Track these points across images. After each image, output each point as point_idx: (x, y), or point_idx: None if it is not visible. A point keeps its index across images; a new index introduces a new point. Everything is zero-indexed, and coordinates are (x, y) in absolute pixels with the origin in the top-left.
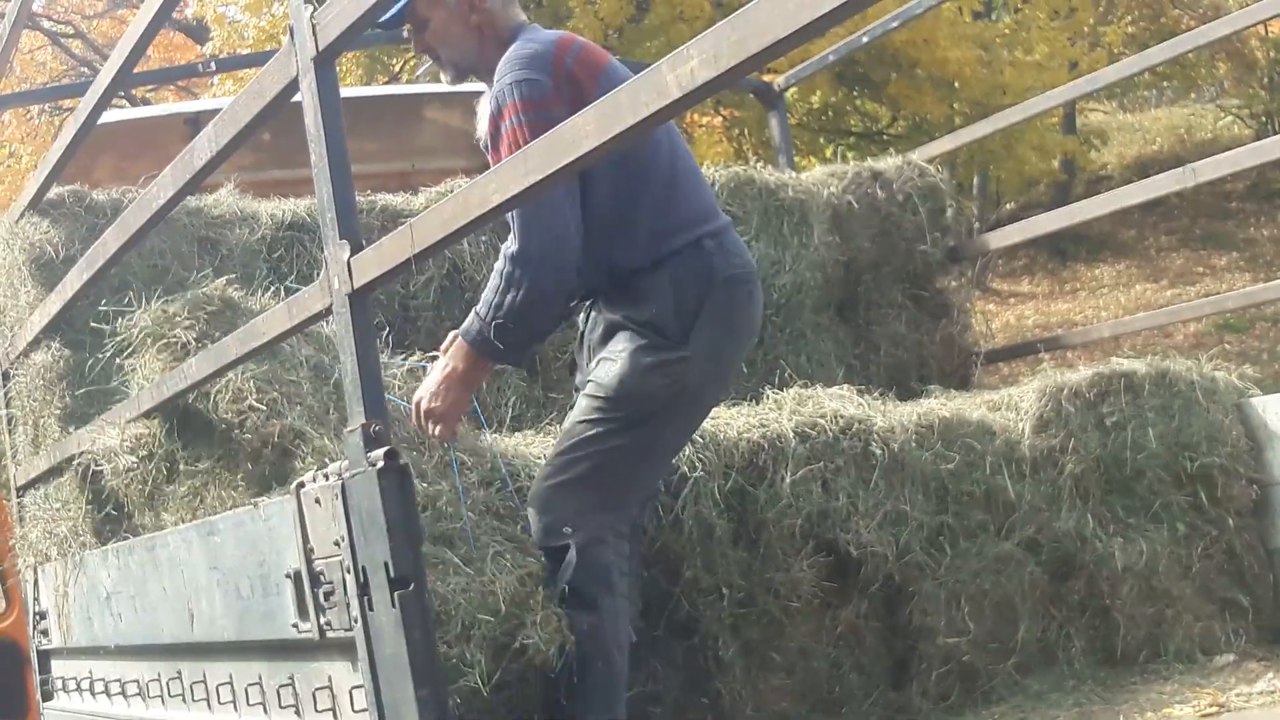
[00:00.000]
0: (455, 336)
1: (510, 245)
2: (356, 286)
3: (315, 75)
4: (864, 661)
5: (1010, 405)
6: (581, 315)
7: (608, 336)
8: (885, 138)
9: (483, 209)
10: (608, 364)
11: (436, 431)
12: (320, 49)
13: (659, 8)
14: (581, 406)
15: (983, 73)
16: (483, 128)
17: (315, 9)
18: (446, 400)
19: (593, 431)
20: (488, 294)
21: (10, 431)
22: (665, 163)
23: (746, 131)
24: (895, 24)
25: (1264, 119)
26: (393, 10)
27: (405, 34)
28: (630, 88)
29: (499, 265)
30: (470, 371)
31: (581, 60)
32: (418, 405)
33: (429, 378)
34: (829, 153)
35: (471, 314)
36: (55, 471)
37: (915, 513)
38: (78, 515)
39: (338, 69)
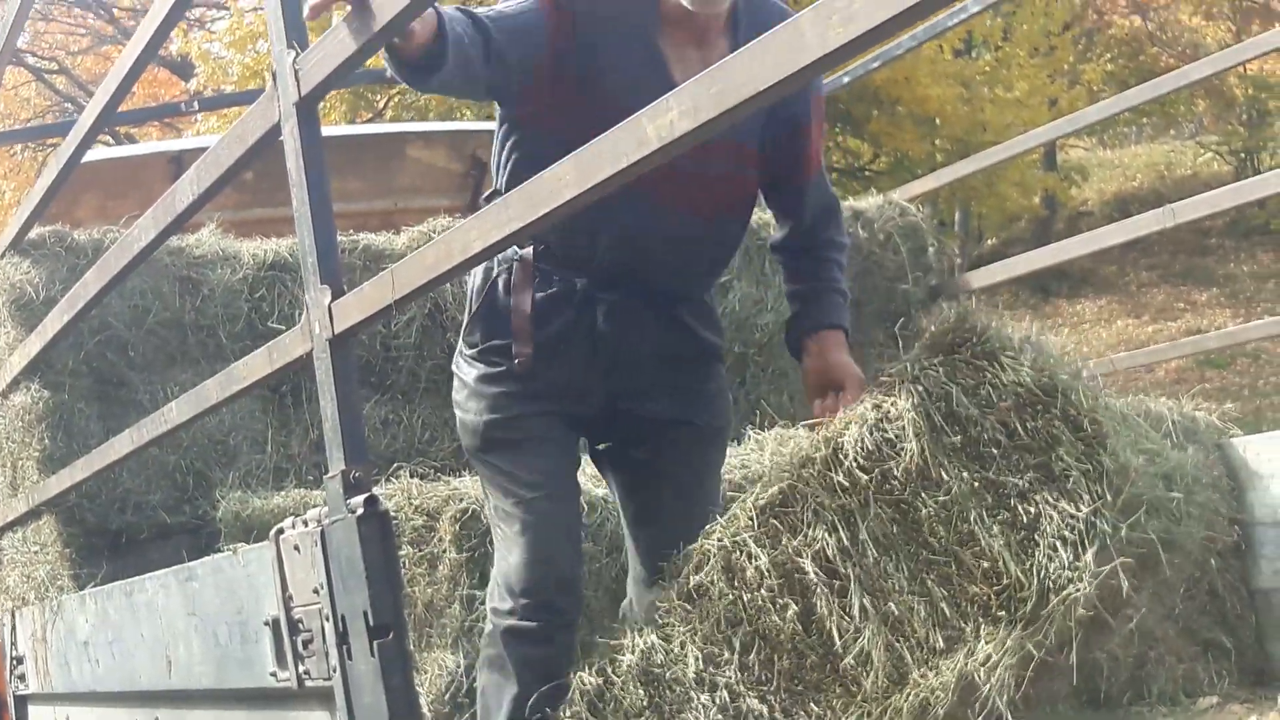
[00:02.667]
0: None
1: None
2: (337, 332)
3: (297, 120)
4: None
5: None
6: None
7: (703, 362)
8: (867, 174)
9: (464, 255)
10: (723, 400)
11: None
12: (303, 94)
13: None
14: (721, 449)
15: (963, 109)
16: None
17: (298, 54)
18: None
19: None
20: None
21: None
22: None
23: None
24: (876, 64)
25: (1242, 155)
26: None
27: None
28: (610, 137)
29: None
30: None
31: None
32: None
33: None
34: None
35: None
36: (34, 515)
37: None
38: (55, 559)
39: (320, 110)
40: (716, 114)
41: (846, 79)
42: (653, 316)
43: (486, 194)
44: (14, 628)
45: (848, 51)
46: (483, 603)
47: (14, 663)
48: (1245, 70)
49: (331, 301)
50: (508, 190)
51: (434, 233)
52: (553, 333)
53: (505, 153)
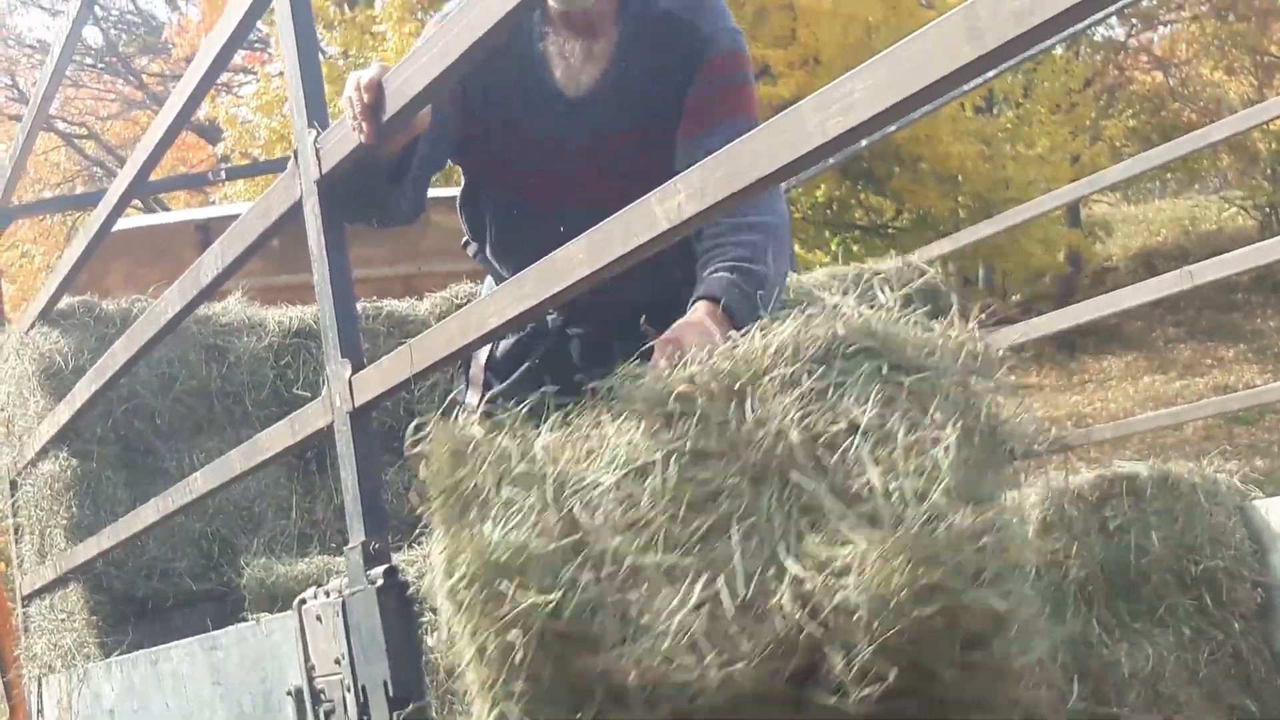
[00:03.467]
0: None
1: None
2: (358, 404)
3: (319, 197)
4: None
5: (1015, 508)
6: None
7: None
8: (890, 231)
9: (480, 330)
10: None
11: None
12: (323, 172)
13: None
14: None
15: (985, 166)
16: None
17: (319, 134)
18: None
19: None
20: None
21: (17, 541)
22: None
23: None
24: (893, 127)
25: (1268, 210)
26: None
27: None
28: (622, 218)
29: None
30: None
31: None
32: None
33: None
34: (834, 245)
35: None
36: (61, 582)
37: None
38: (82, 626)
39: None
40: (722, 197)
41: (864, 142)
42: (627, 347)
43: (463, 242)
44: (40, 695)
45: (849, 139)
46: None
47: None
48: (1268, 126)
49: (352, 375)
50: (473, 236)
51: (456, 298)
52: (526, 371)
53: (459, 201)
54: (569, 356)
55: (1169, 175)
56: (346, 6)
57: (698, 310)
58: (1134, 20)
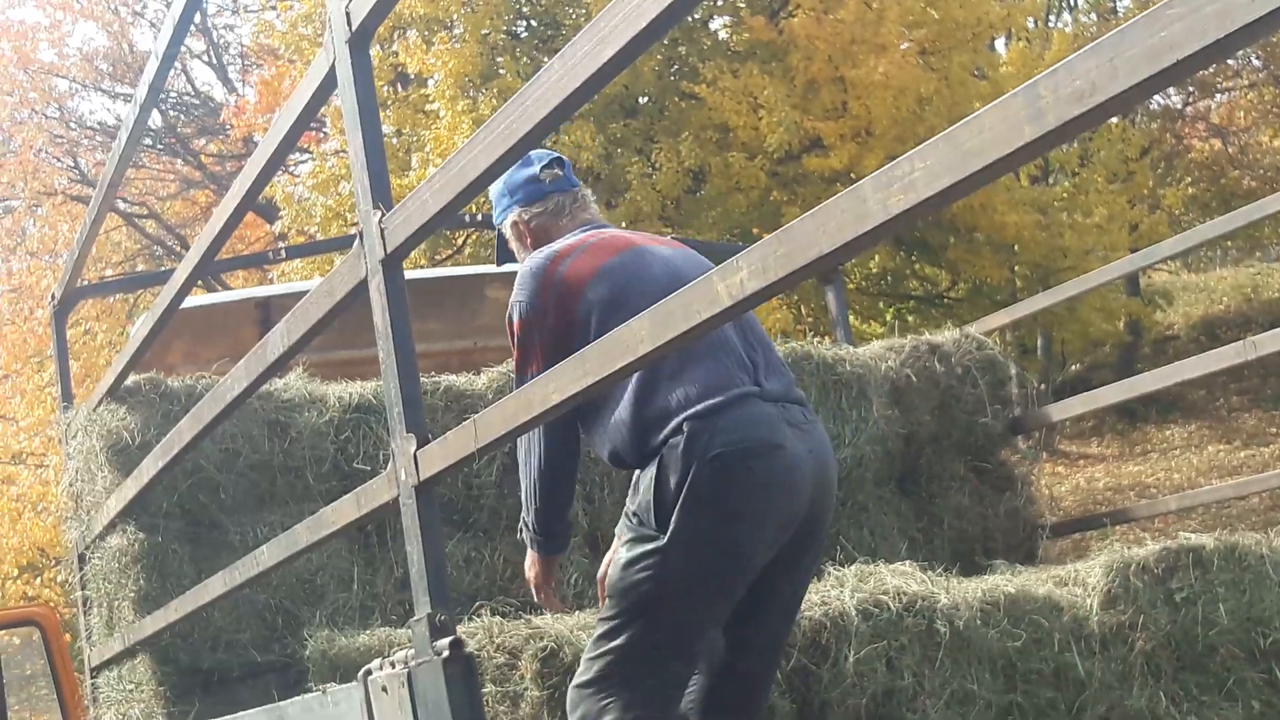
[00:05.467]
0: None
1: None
2: (422, 479)
3: (384, 276)
4: None
5: (1077, 581)
6: None
7: (622, 527)
8: (945, 301)
9: (543, 406)
10: (618, 558)
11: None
12: (388, 252)
13: (716, 179)
14: (606, 598)
15: (1041, 235)
16: None
17: (383, 214)
18: (536, 581)
19: (601, 630)
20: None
21: (86, 613)
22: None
23: (804, 298)
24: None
25: None
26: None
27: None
28: (683, 296)
29: None
30: (543, 567)
31: (571, 273)
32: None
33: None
34: (889, 316)
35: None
36: (129, 654)
37: (983, 691)
38: (150, 697)
39: (410, 261)
40: (783, 275)
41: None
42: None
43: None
44: None
45: (908, 218)
46: None
47: None
48: None
49: (417, 449)
50: None
51: (513, 374)
52: None
53: None
54: None
55: (1229, 243)
56: (399, 86)
57: None
58: (1190, 88)
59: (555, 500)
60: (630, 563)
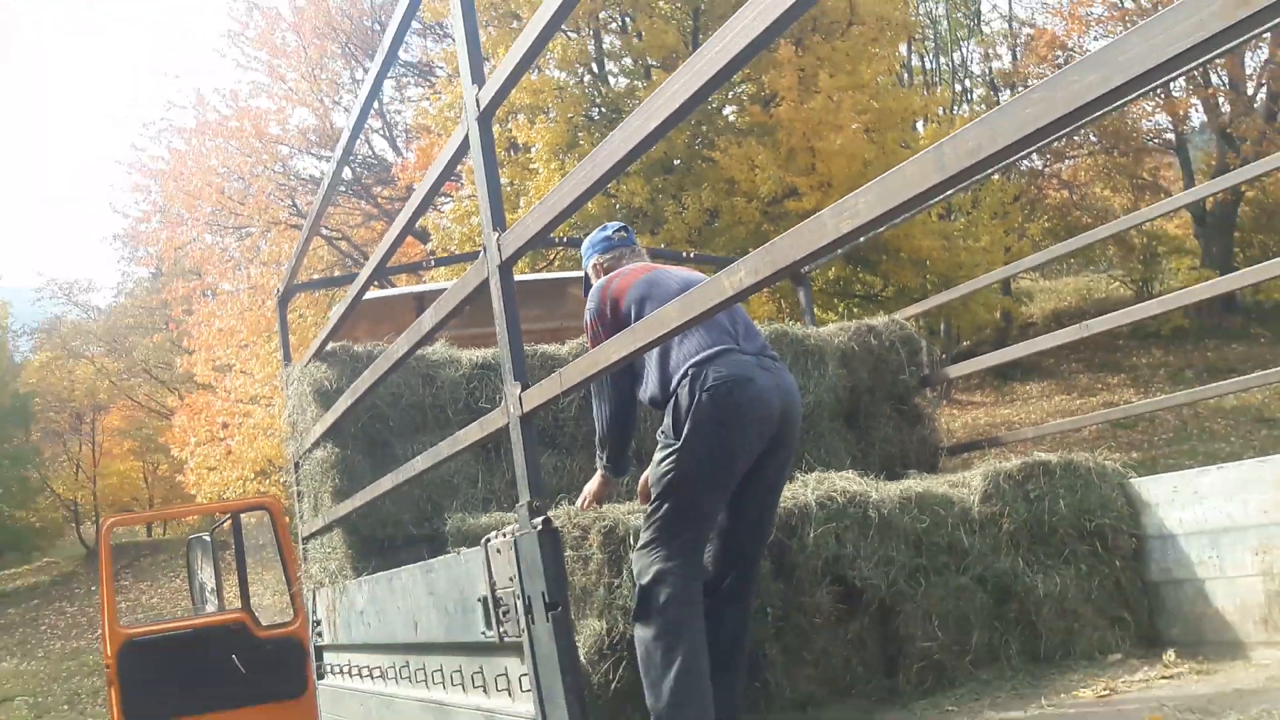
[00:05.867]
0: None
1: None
2: (524, 411)
3: (500, 277)
4: (866, 659)
5: (965, 484)
6: None
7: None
8: (879, 298)
9: (607, 361)
10: (653, 462)
11: (586, 505)
12: (503, 259)
13: (725, 216)
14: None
15: (945, 254)
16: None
17: (500, 233)
18: (592, 495)
19: (649, 511)
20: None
21: (299, 501)
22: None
23: (782, 296)
24: (883, 228)
25: (1140, 283)
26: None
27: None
28: (701, 289)
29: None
30: (602, 485)
31: (617, 287)
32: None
33: (588, 487)
34: (841, 309)
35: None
36: (327, 528)
37: (899, 557)
38: (342, 557)
39: (518, 267)
40: (768, 274)
41: (862, 239)
42: None
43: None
44: (315, 601)
45: (854, 236)
46: (619, 587)
47: (315, 624)
48: (1141, 227)
49: (521, 392)
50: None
51: (584, 344)
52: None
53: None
54: None
55: (1072, 260)
56: (512, 151)
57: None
58: (1048, 155)
59: (621, 440)
60: (661, 461)
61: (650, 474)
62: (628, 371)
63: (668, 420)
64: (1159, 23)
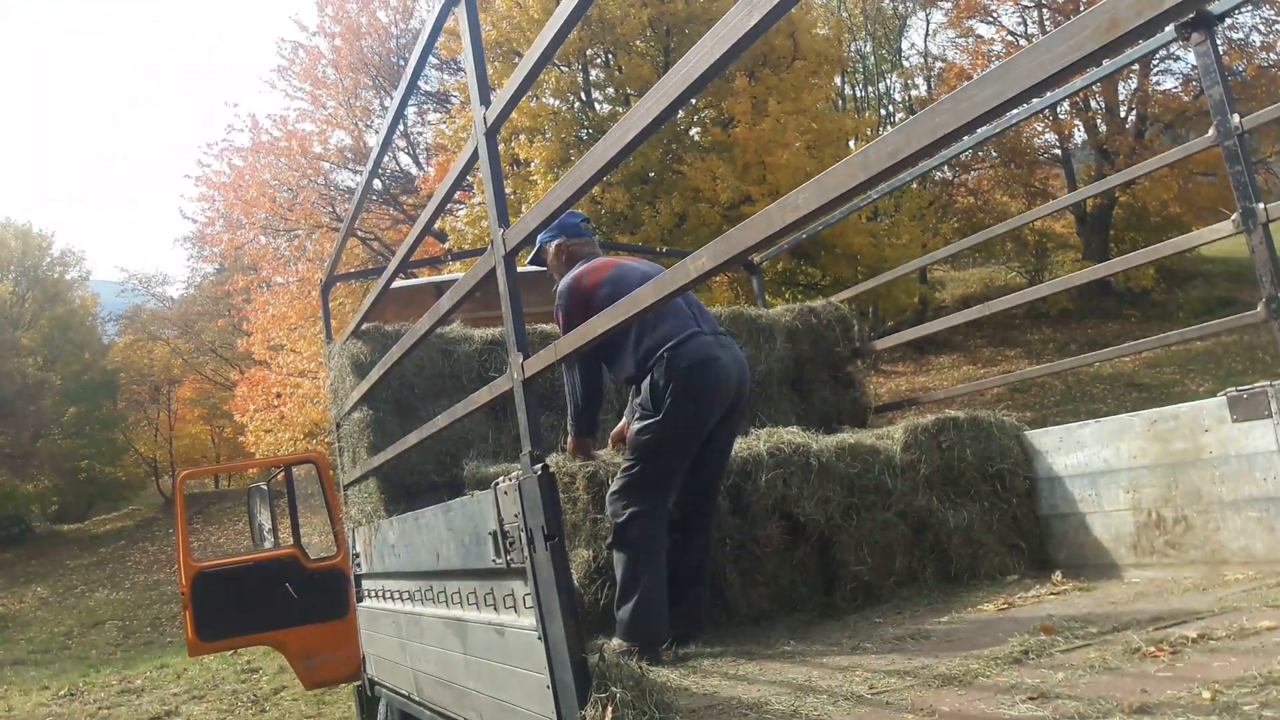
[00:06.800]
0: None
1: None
2: (526, 377)
3: (505, 266)
4: (808, 580)
5: (889, 436)
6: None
7: (633, 412)
8: (819, 286)
9: (592, 335)
10: (632, 429)
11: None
12: (507, 250)
13: (692, 219)
14: (627, 450)
15: (872, 249)
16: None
17: (505, 230)
18: (573, 451)
19: (625, 466)
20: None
21: (339, 455)
22: (659, 311)
23: (739, 285)
24: (821, 227)
25: (1032, 273)
26: (533, 254)
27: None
28: (670, 272)
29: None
30: (577, 444)
31: (587, 284)
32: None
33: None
34: (787, 295)
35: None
36: (364, 477)
37: (835, 496)
38: (376, 501)
39: (519, 260)
40: (725, 259)
41: (805, 235)
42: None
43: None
44: (354, 538)
45: (796, 227)
46: (601, 522)
47: (354, 556)
48: (1032, 226)
49: (523, 361)
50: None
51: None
52: None
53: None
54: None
55: (976, 254)
56: (515, 166)
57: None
58: (957, 167)
59: (589, 409)
60: (641, 430)
61: (630, 438)
62: (596, 354)
63: (645, 394)
64: (1044, 44)
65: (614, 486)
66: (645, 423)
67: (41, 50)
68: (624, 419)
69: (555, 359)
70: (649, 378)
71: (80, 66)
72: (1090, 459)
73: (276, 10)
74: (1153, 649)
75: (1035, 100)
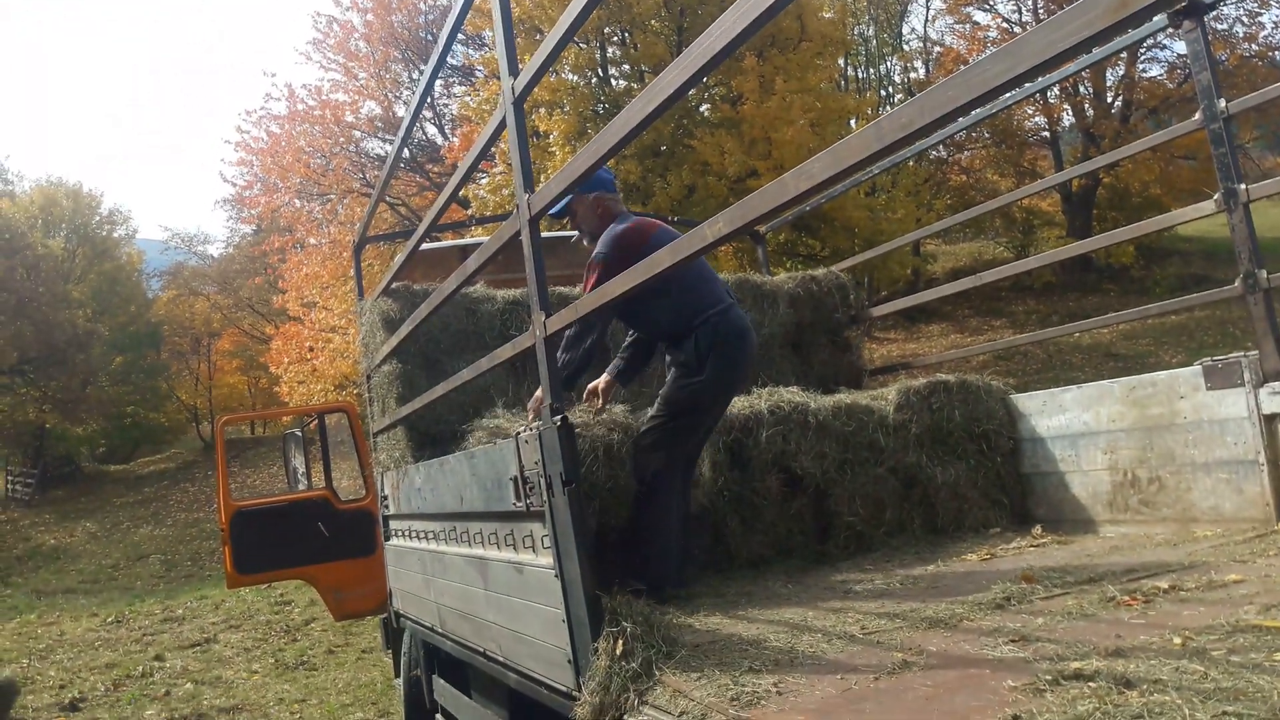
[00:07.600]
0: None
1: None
2: (548, 334)
3: (529, 230)
4: (805, 529)
5: (883, 398)
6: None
7: (669, 369)
8: (819, 257)
9: (611, 297)
10: (666, 385)
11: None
12: (532, 214)
13: (701, 191)
14: (656, 405)
15: (870, 223)
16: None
17: (530, 194)
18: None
19: (657, 420)
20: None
21: (370, 405)
22: (694, 274)
23: (744, 253)
24: (824, 200)
25: (1019, 248)
26: (559, 206)
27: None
28: (688, 236)
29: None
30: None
31: (639, 234)
32: (589, 394)
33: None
34: (788, 266)
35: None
36: (392, 426)
37: (831, 452)
38: (404, 447)
39: (540, 225)
40: (741, 225)
41: (808, 208)
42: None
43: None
44: (383, 481)
45: (809, 195)
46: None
47: (383, 499)
48: (1020, 204)
49: (546, 319)
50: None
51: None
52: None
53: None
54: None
55: (967, 229)
56: (536, 138)
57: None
58: (951, 146)
59: (582, 370)
60: (680, 386)
61: (665, 391)
62: (621, 310)
63: (687, 354)
64: (1055, 22)
65: (645, 438)
66: (686, 380)
67: (42, 50)
68: (605, 375)
69: (576, 317)
70: (693, 337)
71: (80, 66)
72: (1071, 422)
73: None
74: (1127, 598)
75: (1035, 80)
